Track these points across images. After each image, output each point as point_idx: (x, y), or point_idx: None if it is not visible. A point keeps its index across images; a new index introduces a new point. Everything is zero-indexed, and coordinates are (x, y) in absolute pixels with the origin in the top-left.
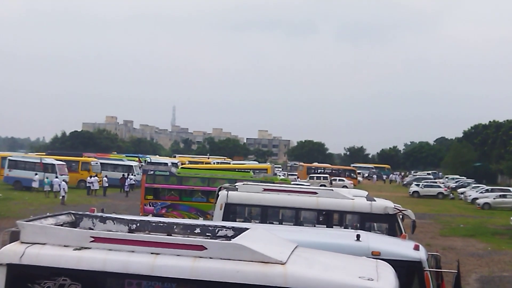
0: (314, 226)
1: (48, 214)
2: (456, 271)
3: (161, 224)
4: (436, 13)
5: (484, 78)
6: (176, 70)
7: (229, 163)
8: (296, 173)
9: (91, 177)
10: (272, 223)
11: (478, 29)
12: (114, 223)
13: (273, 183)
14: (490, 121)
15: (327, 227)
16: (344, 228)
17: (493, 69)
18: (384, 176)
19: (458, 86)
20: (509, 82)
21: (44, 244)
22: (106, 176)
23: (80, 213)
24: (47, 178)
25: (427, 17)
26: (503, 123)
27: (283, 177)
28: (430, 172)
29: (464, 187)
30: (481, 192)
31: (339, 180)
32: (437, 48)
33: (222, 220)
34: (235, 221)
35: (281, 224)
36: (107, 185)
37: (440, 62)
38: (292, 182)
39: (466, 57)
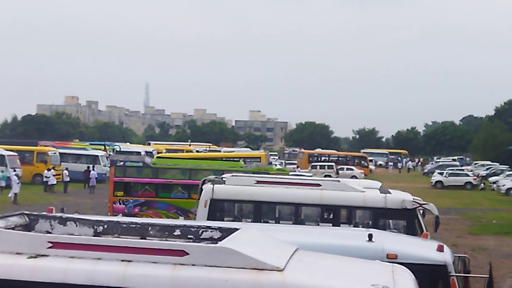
0: (318, 224)
1: None
2: (488, 276)
3: (134, 226)
4: None
5: None
6: (149, 41)
7: (220, 151)
8: (296, 162)
9: (48, 170)
10: (267, 222)
11: None
12: (76, 225)
13: (268, 174)
14: None
15: (333, 225)
16: (354, 226)
17: None
18: (399, 165)
19: (488, 55)
20: None
21: None
22: (66, 169)
23: (36, 213)
24: (2, 172)
25: None
26: None
27: (279, 167)
28: (456, 157)
29: (497, 175)
30: None
31: (347, 169)
32: (460, 10)
33: (207, 219)
34: (223, 220)
35: (278, 223)
36: (68, 179)
37: (465, 27)
38: (290, 173)
39: (497, 20)
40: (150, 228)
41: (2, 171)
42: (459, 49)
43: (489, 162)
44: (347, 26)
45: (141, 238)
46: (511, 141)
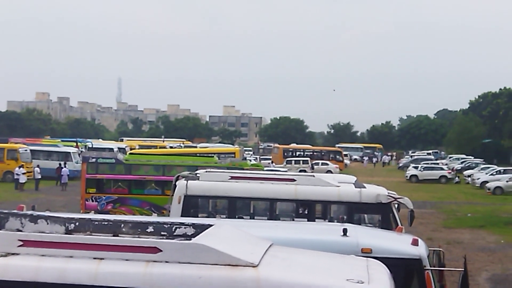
0: (293, 220)
1: None
2: (463, 270)
3: (106, 223)
4: None
5: (492, 39)
6: (121, 36)
7: (196, 147)
8: (271, 157)
9: (19, 167)
10: (242, 218)
11: None
12: (47, 223)
13: (243, 169)
14: (501, 89)
15: (308, 220)
16: (329, 221)
17: (504, 28)
18: (374, 159)
19: (462, 48)
20: None
21: None
22: (38, 166)
23: (6, 211)
24: None
25: None
26: None
27: (254, 162)
28: (430, 151)
29: (472, 168)
30: (492, 174)
31: (322, 164)
32: (435, 7)
33: (181, 215)
34: (197, 216)
35: (253, 218)
36: (39, 177)
37: (439, 20)
38: (265, 168)
39: (470, 17)
40: (122, 225)
41: None
42: (433, 45)
43: (463, 156)
44: (321, 23)
45: (114, 236)
46: (486, 135)
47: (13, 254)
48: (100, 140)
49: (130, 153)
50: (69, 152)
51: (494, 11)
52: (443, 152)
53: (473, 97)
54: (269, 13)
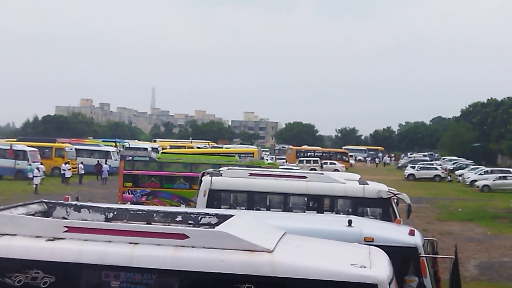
0: (304, 212)
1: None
2: (453, 257)
3: (140, 212)
4: None
5: (482, 54)
6: (155, 50)
7: (222, 147)
8: (285, 157)
9: (65, 164)
10: (259, 210)
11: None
12: (89, 212)
13: (260, 167)
14: (489, 99)
15: (317, 212)
16: (336, 213)
17: (492, 44)
18: (377, 160)
19: (455, 62)
20: (509, 57)
21: (14, 235)
22: (81, 163)
23: (53, 201)
24: (30, 165)
25: None
26: (503, 100)
27: (270, 161)
28: (426, 153)
29: (462, 168)
30: (480, 174)
31: (330, 163)
32: (429, 22)
33: (206, 207)
34: (220, 208)
35: (269, 210)
36: (83, 172)
37: (434, 37)
38: (280, 166)
39: (462, 32)
40: (154, 215)
41: (30, 165)
42: (429, 58)
43: (455, 158)
44: (331, 37)
45: (147, 224)
46: (475, 139)
47: (59, 238)
48: (136, 141)
49: (162, 153)
50: (109, 151)
51: (483, 29)
52: (437, 154)
53: (464, 106)
54: (284, 30)
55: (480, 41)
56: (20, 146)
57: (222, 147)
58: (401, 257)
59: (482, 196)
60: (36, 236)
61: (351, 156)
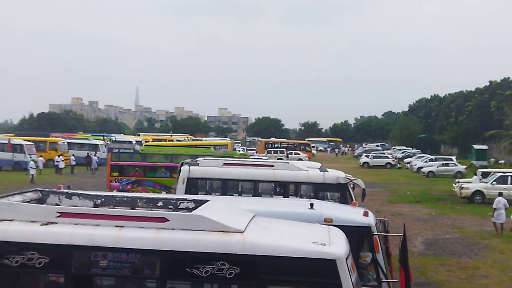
0: (272, 196)
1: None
2: (402, 235)
3: (125, 199)
4: None
5: (427, 54)
6: (138, 52)
7: (201, 140)
8: (255, 148)
9: (59, 156)
10: (232, 195)
11: (422, 7)
12: (80, 199)
13: (233, 157)
14: (432, 95)
15: (283, 197)
16: (299, 197)
17: (435, 46)
18: (336, 150)
19: (403, 62)
20: (449, 58)
21: (11, 220)
22: (73, 155)
23: (47, 190)
24: (30, 157)
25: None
26: (445, 96)
27: (242, 152)
28: (378, 144)
29: (410, 157)
30: (426, 161)
31: (295, 153)
32: (381, 26)
33: (185, 193)
34: (197, 194)
35: (240, 195)
36: (74, 163)
37: (384, 40)
38: (250, 157)
39: (409, 35)
40: (138, 201)
41: (30, 157)
42: (380, 58)
43: (404, 147)
44: (293, 41)
45: (131, 209)
46: (421, 131)
47: (52, 223)
48: (122, 135)
49: (145, 145)
50: (97, 144)
51: (428, 33)
52: (388, 144)
53: (411, 102)
54: (253, 33)
55: (425, 43)
56: (18, 140)
57: (201, 140)
58: (357, 235)
59: (427, 181)
60: (32, 221)
61: (313, 146)
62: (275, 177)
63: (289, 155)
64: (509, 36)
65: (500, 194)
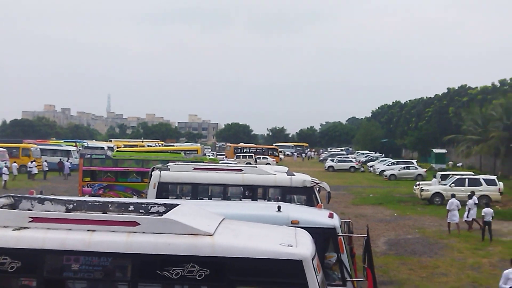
0: (240, 200)
1: None
2: (366, 236)
3: (97, 203)
4: (338, 4)
5: (388, 62)
6: (109, 60)
7: (174, 145)
8: (224, 153)
9: (32, 162)
10: (202, 199)
11: (383, 17)
12: (52, 204)
13: (203, 162)
14: (393, 102)
15: (252, 200)
16: (267, 201)
17: (396, 54)
18: (303, 154)
19: (366, 69)
20: (410, 66)
21: None
22: (46, 161)
23: (19, 195)
24: (5, 163)
25: (328, 8)
26: (405, 103)
27: (212, 157)
28: (343, 148)
29: (373, 161)
30: (388, 165)
31: (263, 158)
32: (345, 35)
33: (156, 198)
34: (168, 198)
35: (210, 199)
36: (47, 169)
37: (347, 49)
38: (220, 161)
39: (370, 44)
40: (110, 205)
41: (5, 163)
42: (344, 65)
43: (367, 151)
44: (262, 47)
45: (103, 213)
46: (383, 136)
47: (24, 228)
48: (94, 141)
49: (117, 151)
50: (70, 150)
51: (390, 41)
52: (352, 149)
53: (374, 108)
54: (222, 41)
55: (387, 51)
56: None
57: (173, 145)
58: (322, 237)
59: (389, 184)
60: (4, 226)
61: (281, 151)
62: (244, 181)
63: (258, 160)
64: (465, 46)
65: (453, 196)
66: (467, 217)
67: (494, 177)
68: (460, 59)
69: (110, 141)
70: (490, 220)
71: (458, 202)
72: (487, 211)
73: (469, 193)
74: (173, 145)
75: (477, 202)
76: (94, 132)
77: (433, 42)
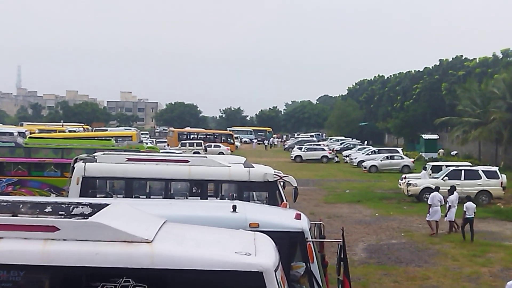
0: (187, 198)
1: None
2: (341, 241)
3: (5, 204)
4: None
5: (367, 31)
6: (18, 23)
7: (106, 130)
8: (166, 140)
9: None
10: (138, 197)
11: None
12: None
13: (139, 151)
14: (375, 76)
15: (200, 198)
16: (220, 198)
17: (378, 18)
18: (266, 141)
19: (338, 38)
20: (394, 33)
21: None
22: None
23: None
24: None
25: None
26: (389, 78)
27: (150, 145)
28: (313, 134)
29: (350, 149)
30: (368, 154)
31: (215, 146)
32: (307, 9)
33: (80, 196)
34: (95, 196)
35: (149, 197)
36: None
37: (317, 12)
38: (161, 150)
39: (346, 3)
40: (21, 206)
41: None
42: (314, 31)
43: (342, 137)
44: (212, 8)
45: (13, 216)
46: (362, 118)
47: None
48: (1, 125)
49: (30, 137)
50: None
51: (373, 3)
52: (324, 134)
53: (350, 84)
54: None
55: (366, 12)
56: None
57: (107, 130)
58: (288, 243)
59: (369, 177)
60: None
61: (237, 138)
62: (191, 175)
63: (208, 148)
64: (461, 9)
65: (437, 189)
66: (446, 215)
67: (495, 168)
68: (455, 24)
69: (21, 124)
70: (473, 216)
71: (442, 196)
72: (469, 205)
73: (449, 188)
74: (103, 130)
75: (458, 200)
76: (0, 114)
77: (423, 4)
